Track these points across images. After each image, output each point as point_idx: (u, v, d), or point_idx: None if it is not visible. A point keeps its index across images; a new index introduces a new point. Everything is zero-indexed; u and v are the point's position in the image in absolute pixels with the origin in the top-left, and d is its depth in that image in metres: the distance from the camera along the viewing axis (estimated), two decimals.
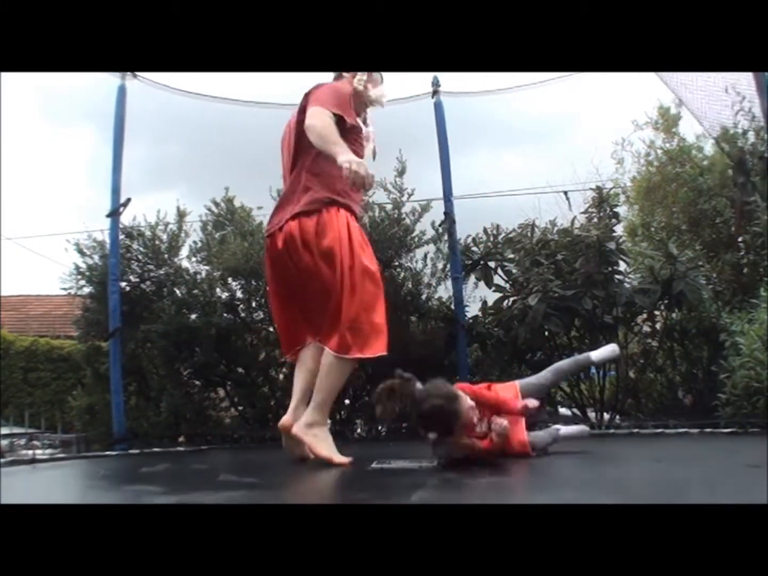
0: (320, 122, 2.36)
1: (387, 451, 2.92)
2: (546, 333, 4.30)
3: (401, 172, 4.52)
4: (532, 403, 2.31)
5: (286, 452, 2.71)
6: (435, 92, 4.48)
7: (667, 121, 6.94)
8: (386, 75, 3.02)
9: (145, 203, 7.77)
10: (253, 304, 4.60)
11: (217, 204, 4.75)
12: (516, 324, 4.14)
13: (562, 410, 4.65)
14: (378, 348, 2.45)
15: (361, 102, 2.74)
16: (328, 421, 2.74)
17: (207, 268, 4.64)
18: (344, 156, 2.24)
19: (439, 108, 4.49)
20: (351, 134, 2.51)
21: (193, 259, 4.69)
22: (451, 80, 4.53)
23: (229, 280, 4.51)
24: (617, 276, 4.22)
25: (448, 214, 4.35)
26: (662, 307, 4.37)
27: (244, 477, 2.45)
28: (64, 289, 4.71)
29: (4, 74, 3.34)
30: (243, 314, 4.59)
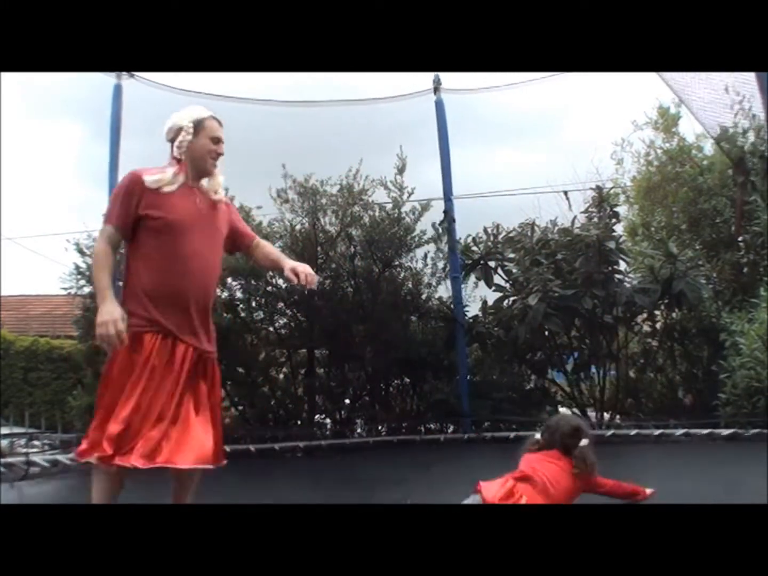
0: (95, 248, 2.06)
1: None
2: (546, 333, 4.29)
3: (401, 170, 4.51)
4: None
5: None
6: (436, 90, 4.43)
7: (667, 121, 6.92)
8: (383, 74, 3.00)
9: None
10: (253, 304, 4.59)
11: None
12: (516, 324, 4.14)
13: (562, 410, 4.65)
14: None
15: (195, 168, 2.03)
16: None
17: None
18: (99, 316, 1.86)
19: (440, 106, 4.42)
20: (151, 216, 1.94)
21: None
22: (445, 77, 4.46)
23: (229, 279, 4.50)
24: (617, 276, 4.22)
25: (448, 213, 4.34)
26: (662, 307, 4.37)
27: None
28: (64, 289, 4.71)
29: None
30: (243, 314, 4.58)
